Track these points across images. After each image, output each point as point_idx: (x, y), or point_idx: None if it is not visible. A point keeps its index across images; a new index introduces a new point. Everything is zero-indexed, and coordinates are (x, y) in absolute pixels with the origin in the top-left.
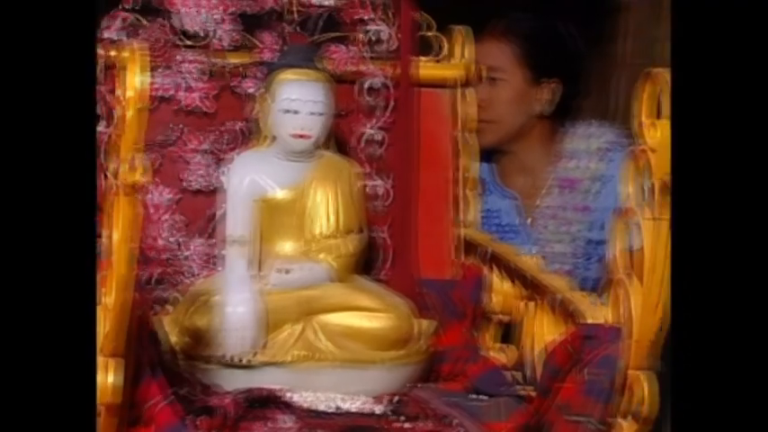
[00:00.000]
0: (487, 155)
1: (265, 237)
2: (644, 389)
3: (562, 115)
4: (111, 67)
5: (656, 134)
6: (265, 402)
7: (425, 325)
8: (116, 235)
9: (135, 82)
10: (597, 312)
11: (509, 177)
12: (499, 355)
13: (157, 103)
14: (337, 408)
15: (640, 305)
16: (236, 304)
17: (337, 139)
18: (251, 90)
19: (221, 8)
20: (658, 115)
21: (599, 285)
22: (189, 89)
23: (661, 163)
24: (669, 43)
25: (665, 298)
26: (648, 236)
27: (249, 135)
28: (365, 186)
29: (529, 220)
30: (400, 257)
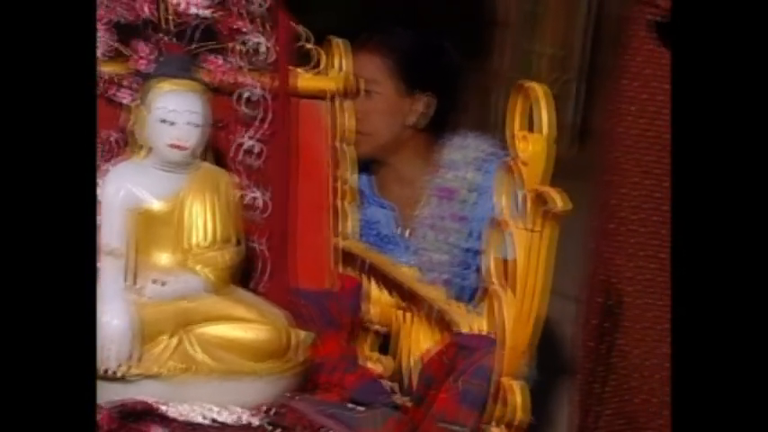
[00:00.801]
0: (365, 166)
1: (141, 248)
2: (516, 397)
3: (439, 127)
4: None
5: (528, 147)
6: (140, 416)
7: (303, 336)
8: None
9: None
10: (472, 322)
11: (387, 188)
12: (377, 365)
13: None
14: (213, 420)
15: (513, 315)
16: (110, 317)
17: (215, 151)
18: (126, 100)
19: (96, 17)
20: (531, 128)
21: (476, 295)
22: None
23: (533, 175)
24: (546, 59)
25: (538, 308)
26: (521, 247)
27: (124, 146)
28: (243, 197)
29: (408, 231)
30: (278, 269)
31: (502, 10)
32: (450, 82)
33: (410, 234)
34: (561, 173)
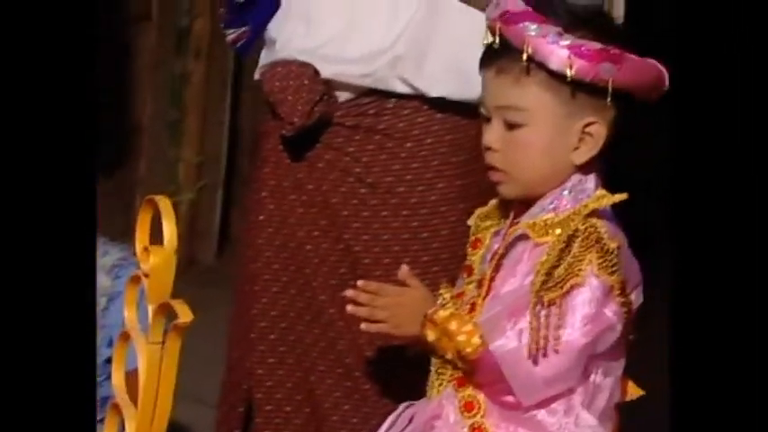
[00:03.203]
0: None
1: None
2: None
3: None
4: None
5: (152, 259)
6: None
7: None
8: None
9: None
10: None
11: None
12: None
13: None
14: None
15: (134, 428)
16: None
17: None
18: None
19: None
20: (159, 241)
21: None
22: None
23: (156, 287)
24: (191, 167)
25: (161, 421)
26: (144, 359)
27: None
28: None
29: None
30: None
31: (144, 117)
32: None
33: None
34: (203, 279)
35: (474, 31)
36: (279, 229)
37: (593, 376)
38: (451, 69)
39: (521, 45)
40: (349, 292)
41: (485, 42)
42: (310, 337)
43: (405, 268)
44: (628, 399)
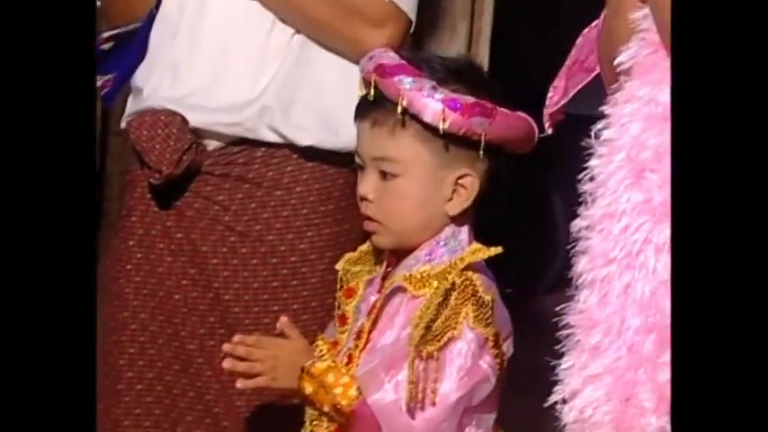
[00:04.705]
0: None
1: None
2: None
3: None
4: None
5: None
6: None
7: None
8: None
9: None
10: None
11: None
12: None
13: None
14: None
15: None
16: None
17: None
18: None
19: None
20: None
21: None
22: None
23: None
24: None
25: None
26: None
27: None
28: None
29: None
30: None
31: None
32: None
33: None
34: None
35: (343, 81)
36: (147, 278)
37: (467, 429)
38: (320, 119)
39: (396, 98)
40: (226, 347)
41: (360, 94)
42: (178, 387)
43: (284, 320)
44: None
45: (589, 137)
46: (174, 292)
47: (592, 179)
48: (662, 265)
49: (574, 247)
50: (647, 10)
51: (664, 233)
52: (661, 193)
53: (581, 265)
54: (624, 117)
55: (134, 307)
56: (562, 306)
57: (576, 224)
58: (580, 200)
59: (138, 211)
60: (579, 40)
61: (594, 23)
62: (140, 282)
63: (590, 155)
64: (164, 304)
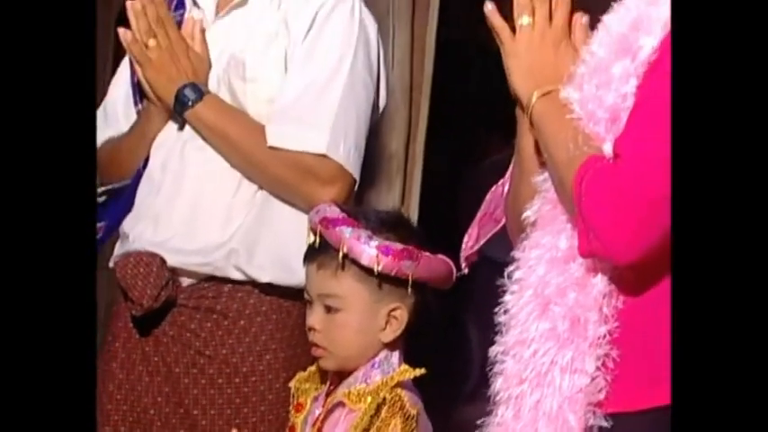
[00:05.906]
0: None
1: None
2: None
3: None
4: None
5: None
6: None
7: None
8: None
9: None
10: None
11: None
12: None
13: None
14: None
15: None
16: None
17: None
18: None
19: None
20: None
21: None
22: None
23: None
24: None
25: None
26: None
27: None
28: None
29: None
30: None
31: None
32: None
33: None
34: None
35: (298, 229)
36: (127, 396)
37: None
38: (278, 260)
39: (337, 245)
40: None
41: (308, 242)
42: None
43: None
44: None
45: (503, 277)
46: (150, 407)
47: (505, 312)
48: (567, 383)
49: (491, 369)
50: (546, 174)
51: (567, 356)
52: (564, 323)
53: (498, 384)
54: (531, 260)
55: (114, 421)
56: (481, 420)
57: (493, 350)
58: (496, 329)
59: (122, 338)
60: (488, 196)
61: (500, 182)
62: (120, 399)
63: (504, 292)
64: (141, 419)
